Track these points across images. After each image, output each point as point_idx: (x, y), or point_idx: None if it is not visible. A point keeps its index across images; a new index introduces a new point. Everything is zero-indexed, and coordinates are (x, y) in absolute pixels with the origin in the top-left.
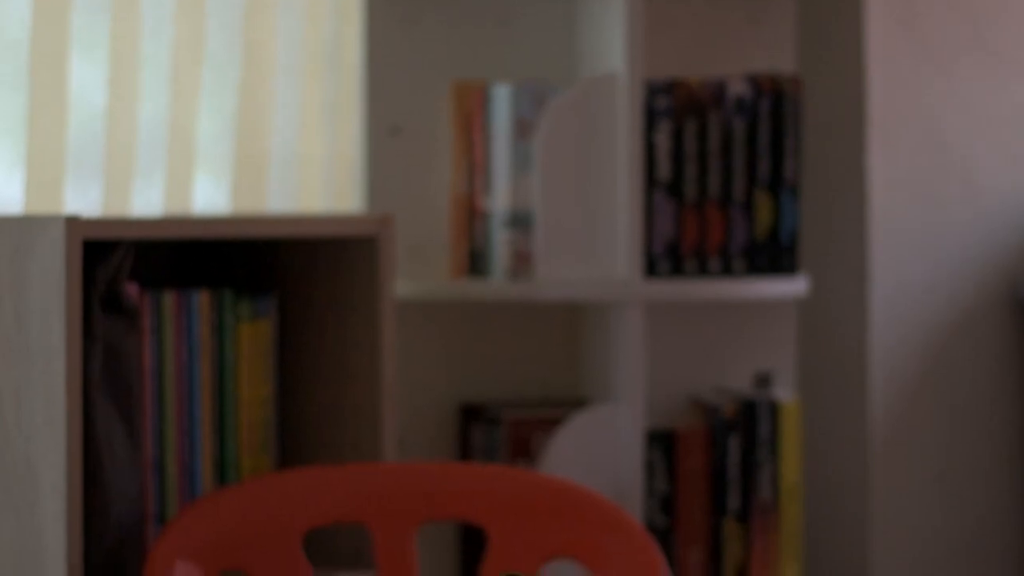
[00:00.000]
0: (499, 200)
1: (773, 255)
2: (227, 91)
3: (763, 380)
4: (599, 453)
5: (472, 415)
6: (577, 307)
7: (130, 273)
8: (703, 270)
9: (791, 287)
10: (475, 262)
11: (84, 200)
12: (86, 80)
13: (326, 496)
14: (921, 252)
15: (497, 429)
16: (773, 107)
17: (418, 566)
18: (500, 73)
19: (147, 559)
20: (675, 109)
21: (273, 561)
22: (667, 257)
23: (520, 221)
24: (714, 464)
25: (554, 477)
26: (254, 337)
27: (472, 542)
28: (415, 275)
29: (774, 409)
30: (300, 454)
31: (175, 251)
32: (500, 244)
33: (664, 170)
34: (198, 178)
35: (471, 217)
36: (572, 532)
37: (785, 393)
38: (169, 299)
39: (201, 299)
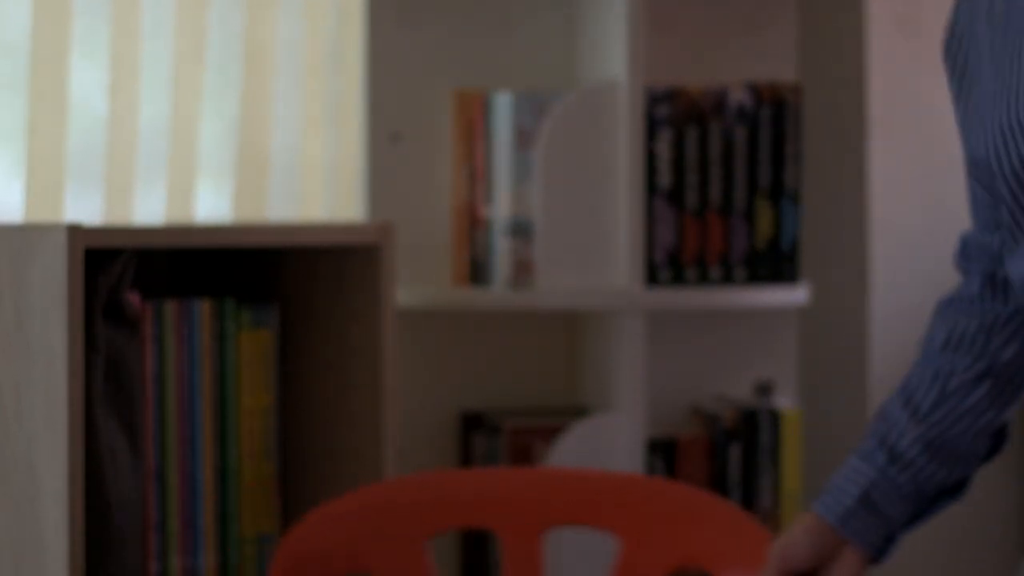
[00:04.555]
0: (500, 208)
1: (774, 263)
2: (228, 97)
3: (764, 389)
4: (600, 462)
5: (472, 423)
6: (578, 316)
7: (132, 282)
8: (704, 278)
9: (792, 295)
10: (476, 270)
11: (84, 207)
12: (87, 85)
13: (454, 500)
14: (922, 260)
15: (497, 437)
16: (774, 115)
17: (545, 573)
18: (501, 81)
19: (272, 561)
20: (676, 117)
21: (399, 564)
22: (668, 265)
23: (521, 229)
24: (715, 472)
25: (680, 483)
26: (255, 345)
27: (475, 549)
28: (416, 283)
29: (775, 418)
30: (301, 462)
31: (176, 259)
32: (501, 252)
33: (665, 178)
34: (199, 184)
35: (472, 225)
36: (699, 538)
37: (786, 402)
38: (170, 308)
39: (202, 308)
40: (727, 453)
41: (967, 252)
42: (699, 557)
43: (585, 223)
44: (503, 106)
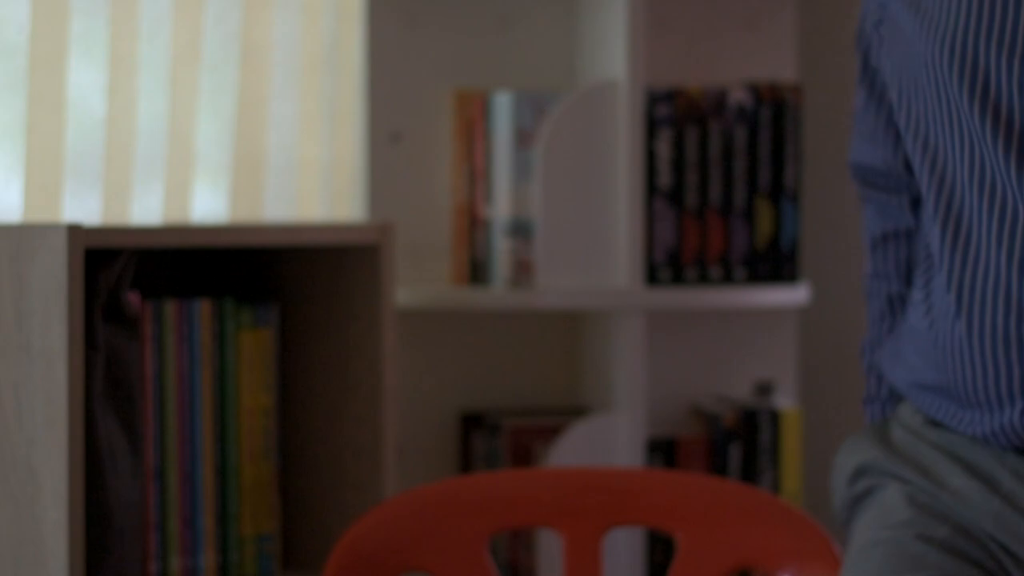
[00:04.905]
0: (500, 208)
1: (774, 263)
2: (226, 96)
3: (764, 388)
4: (600, 461)
5: (472, 423)
6: (577, 315)
7: (131, 282)
8: (704, 278)
9: (792, 295)
10: (476, 270)
11: (83, 207)
12: (85, 85)
13: (515, 500)
14: None
15: (497, 437)
16: (774, 115)
17: (605, 572)
18: (501, 80)
19: (330, 558)
20: (676, 117)
21: (459, 563)
22: (668, 265)
23: (521, 229)
24: (715, 472)
25: (741, 484)
26: (255, 345)
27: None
28: (416, 283)
29: (775, 417)
30: (301, 462)
31: (176, 259)
32: (501, 252)
33: (665, 178)
34: (197, 183)
35: (472, 225)
36: (759, 539)
37: (786, 401)
38: (170, 307)
39: (202, 307)
40: (727, 453)
41: (872, 179)
42: (758, 557)
43: (585, 223)
44: (503, 106)
